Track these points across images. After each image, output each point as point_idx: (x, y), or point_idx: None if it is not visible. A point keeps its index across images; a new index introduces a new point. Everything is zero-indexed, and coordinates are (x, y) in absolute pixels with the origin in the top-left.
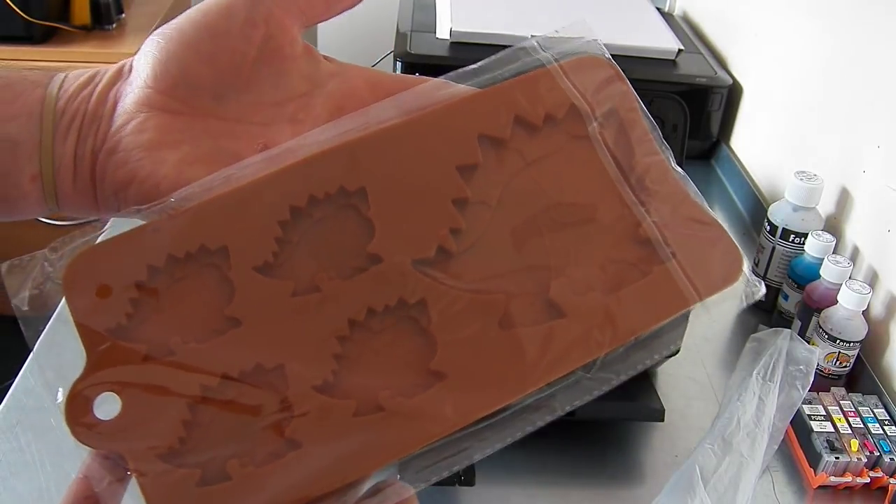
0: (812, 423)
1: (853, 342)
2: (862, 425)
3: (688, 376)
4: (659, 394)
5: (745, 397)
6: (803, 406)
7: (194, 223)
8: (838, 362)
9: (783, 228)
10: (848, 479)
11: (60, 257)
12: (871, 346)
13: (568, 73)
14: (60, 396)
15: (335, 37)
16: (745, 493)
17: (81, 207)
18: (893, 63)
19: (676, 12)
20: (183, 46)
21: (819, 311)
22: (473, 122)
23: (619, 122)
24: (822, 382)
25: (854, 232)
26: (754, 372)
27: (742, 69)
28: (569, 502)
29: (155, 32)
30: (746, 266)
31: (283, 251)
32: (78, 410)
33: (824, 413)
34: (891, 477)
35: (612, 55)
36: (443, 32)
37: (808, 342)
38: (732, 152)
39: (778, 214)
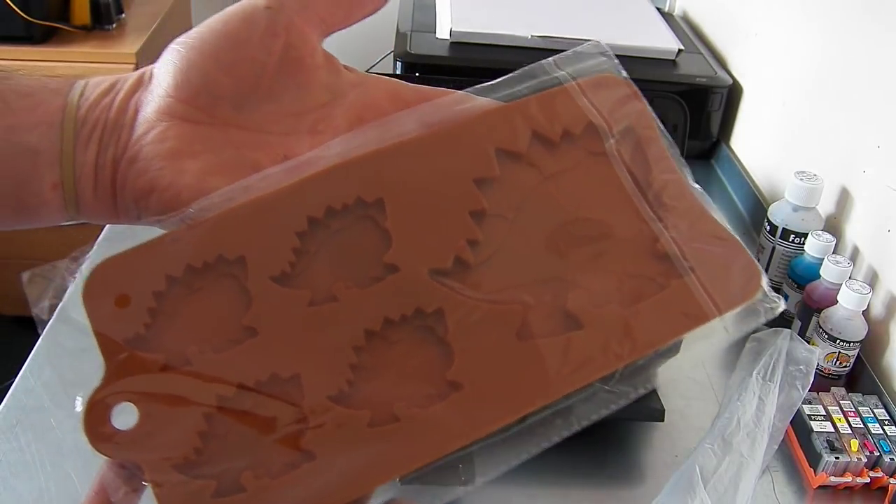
0: (812, 423)
1: (853, 342)
2: (862, 425)
3: (688, 376)
4: (659, 394)
5: (745, 397)
6: (803, 406)
7: (212, 233)
8: (838, 362)
9: (783, 228)
10: (848, 479)
11: (79, 266)
12: (871, 346)
13: (586, 91)
14: (79, 405)
15: (335, 36)
16: (745, 493)
17: (102, 215)
18: (893, 63)
19: (676, 12)
20: (204, 56)
21: (819, 311)
22: (491, 137)
23: (636, 140)
24: (822, 382)
25: (854, 232)
26: (754, 372)
27: (742, 69)
28: (569, 502)
29: (176, 41)
30: (765, 281)
31: (301, 261)
32: (97, 420)
33: (824, 413)
34: (891, 477)
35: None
36: (443, 32)
37: (808, 342)
38: (732, 152)
39: (778, 214)
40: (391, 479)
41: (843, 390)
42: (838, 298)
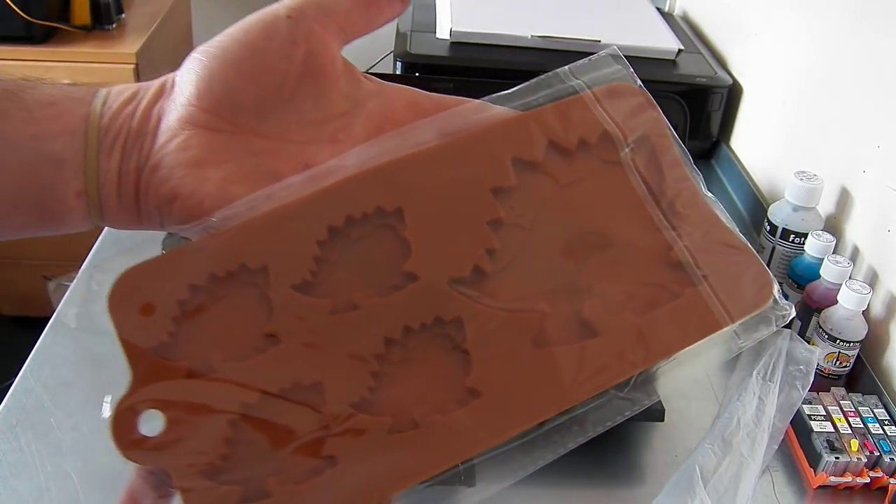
0: (812, 423)
1: (853, 342)
2: (862, 425)
3: (688, 376)
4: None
5: (745, 397)
6: (803, 406)
7: (235, 243)
8: (838, 362)
9: (783, 228)
10: (848, 479)
11: (103, 274)
12: (871, 346)
13: (600, 100)
14: (106, 411)
15: None
16: (745, 493)
17: (125, 222)
18: (893, 63)
19: (676, 12)
20: (225, 65)
21: (819, 311)
22: (508, 146)
23: (650, 148)
24: (822, 382)
25: (854, 232)
26: (754, 372)
27: (742, 69)
28: (569, 502)
29: (197, 50)
30: (776, 289)
31: (322, 270)
32: (125, 427)
33: (824, 413)
34: (891, 477)
35: None
36: (443, 32)
37: (808, 342)
38: (732, 152)
39: (778, 214)
40: (412, 485)
41: (843, 390)
42: (838, 298)
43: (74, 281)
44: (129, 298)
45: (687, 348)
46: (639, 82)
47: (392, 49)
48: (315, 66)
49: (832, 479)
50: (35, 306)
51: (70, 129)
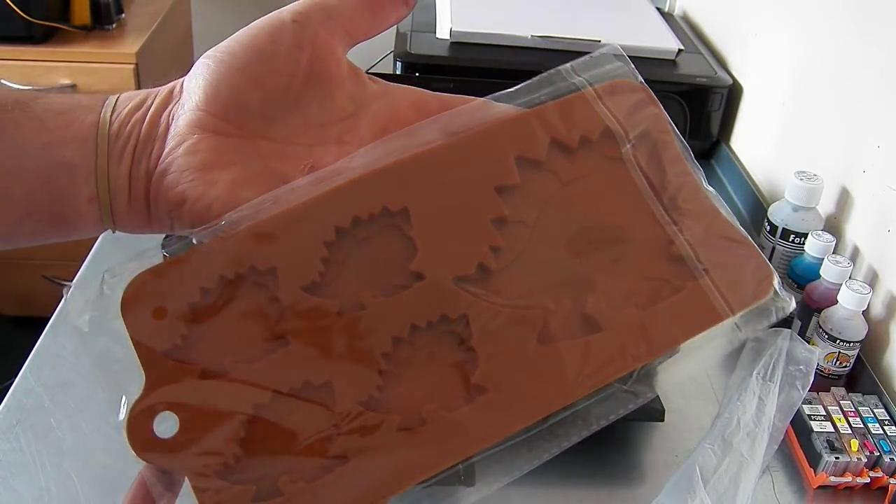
0: (812, 423)
1: (853, 342)
2: (862, 425)
3: (688, 376)
4: (659, 394)
5: (745, 397)
6: (803, 406)
7: (244, 245)
8: (838, 362)
9: (783, 228)
10: (848, 479)
11: (115, 279)
12: (871, 346)
13: (602, 97)
14: (122, 414)
15: None
16: (745, 493)
17: (136, 226)
18: (893, 63)
19: (676, 12)
20: (233, 69)
21: (819, 311)
22: (511, 145)
23: (651, 144)
24: (822, 382)
25: (854, 232)
26: (754, 372)
27: (742, 69)
28: (569, 502)
29: (205, 55)
30: (777, 282)
31: (330, 271)
32: (140, 429)
33: (824, 413)
34: (891, 477)
35: None
36: (443, 32)
37: (808, 342)
38: (732, 152)
39: (778, 214)
40: (421, 480)
41: (843, 390)
42: (838, 298)
43: (74, 286)
44: (142, 303)
45: (688, 341)
46: (640, 78)
47: (392, 49)
48: (321, 69)
49: (832, 479)
50: (35, 306)
51: (80, 137)
